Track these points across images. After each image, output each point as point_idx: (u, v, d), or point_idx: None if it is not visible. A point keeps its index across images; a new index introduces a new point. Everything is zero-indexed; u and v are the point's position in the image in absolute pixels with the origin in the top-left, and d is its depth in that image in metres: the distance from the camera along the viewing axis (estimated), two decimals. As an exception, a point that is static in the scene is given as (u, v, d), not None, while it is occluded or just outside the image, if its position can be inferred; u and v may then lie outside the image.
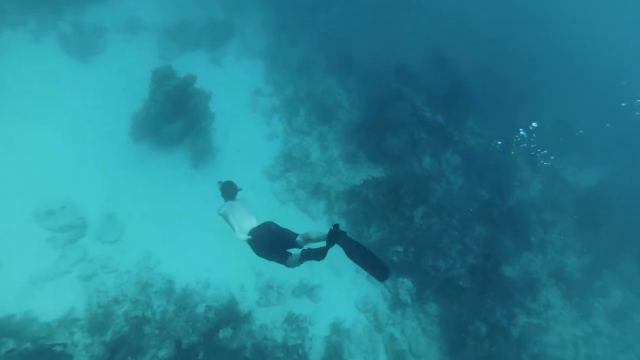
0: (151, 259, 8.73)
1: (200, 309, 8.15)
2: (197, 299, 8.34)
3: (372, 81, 15.42)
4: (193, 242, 9.46)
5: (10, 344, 6.35)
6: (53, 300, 7.32)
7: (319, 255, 4.27)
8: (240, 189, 5.63)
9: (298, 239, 4.76)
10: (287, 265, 4.72)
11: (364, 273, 10.76)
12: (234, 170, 11.45)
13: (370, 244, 10.94)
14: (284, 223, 11.08)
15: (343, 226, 11.43)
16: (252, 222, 5.13)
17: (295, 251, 4.73)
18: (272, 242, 4.85)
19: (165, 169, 10.52)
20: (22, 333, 6.62)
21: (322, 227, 10.06)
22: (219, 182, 5.63)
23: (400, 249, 10.48)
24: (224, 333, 7.18)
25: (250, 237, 4.86)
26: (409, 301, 10.10)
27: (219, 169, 11.34)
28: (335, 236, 4.09)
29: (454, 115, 14.04)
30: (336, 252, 10.80)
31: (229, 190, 5.51)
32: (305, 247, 4.62)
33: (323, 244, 4.25)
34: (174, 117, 10.45)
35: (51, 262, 7.81)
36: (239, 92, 13.91)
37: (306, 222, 11.28)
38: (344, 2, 20.26)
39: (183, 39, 14.29)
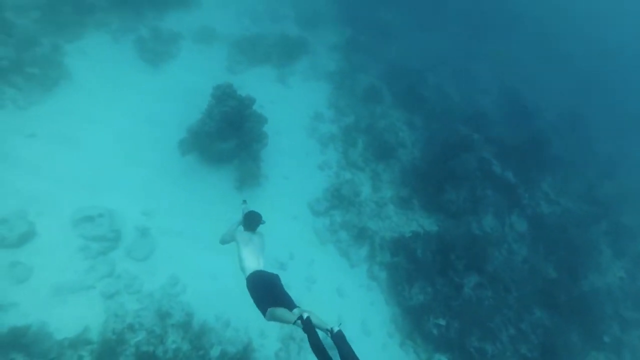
0: (177, 285, 8.35)
1: (215, 352, 7.59)
2: (214, 339, 7.80)
3: (441, 122, 14.30)
4: (223, 272, 8.97)
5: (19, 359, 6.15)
6: (71, 315, 7.11)
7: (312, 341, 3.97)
8: (264, 222, 5.34)
9: (295, 311, 4.36)
10: (266, 317, 4.40)
11: (397, 338, 9.71)
12: (279, 198, 10.93)
13: (408, 307, 9.85)
14: (321, 266, 10.37)
15: (383, 276, 10.45)
16: (259, 263, 4.98)
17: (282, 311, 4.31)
18: (270, 291, 4.62)
19: (208, 187, 10.23)
20: (33, 349, 6.43)
21: (335, 309, 9.22)
22: (244, 201, 5.65)
23: (442, 322, 9.26)
24: (232, 391, 6.53)
25: (253, 273, 4.76)
26: (444, 384, 8.84)
27: (264, 194, 10.86)
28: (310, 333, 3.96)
29: (527, 174, 12.50)
30: (372, 313, 9.75)
31: (252, 220, 5.25)
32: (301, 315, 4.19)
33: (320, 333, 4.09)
34: (227, 136, 10.15)
35: (79, 273, 7.67)
36: (299, 114, 13.48)
37: (344, 268, 10.43)
38: (420, 32, 19.39)
39: (253, 53, 14.20)
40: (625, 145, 17.89)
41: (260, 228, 5.31)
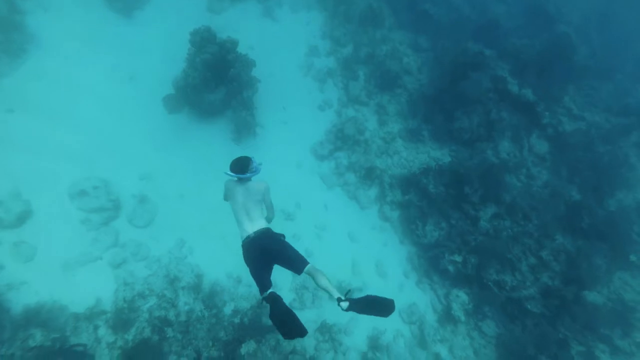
0: (183, 247, 8.27)
1: (228, 309, 7.65)
2: (226, 297, 7.83)
3: (449, 39, 12.85)
4: (231, 230, 8.76)
5: (38, 335, 6.29)
6: (82, 287, 7.16)
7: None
8: (259, 164, 4.52)
9: (307, 268, 4.17)
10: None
11: (413, 277, 9.59)
12: (279, 145, 10.38)
13: (423, 245, 9.59)
14: (331, 211, 10.01)
15: (395, 216, 10.11)
16: (253, 223, 4.37)
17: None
18: (263, 265, 4.17)
19: (204, 143, 9.72)
20: (50, 324, 6.56)
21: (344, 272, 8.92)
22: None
23: (458, 258, 8.99)
24: (246, 348, 6.60)
25: (243, 243, 4.30)
26: (462, 318, 8.81)
27: (263, 143, 10.32)
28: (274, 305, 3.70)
29: (548, 89, 11.29)
30: (386, 254, 9.52)
31: (237, 165, 4.39)
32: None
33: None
34: (214, 86, 9.39)
35: (84, 245, 7.60)
36: (292, 50, 12.33)
37: (354, 211, 10.10)
38: None
39: (233, -14, 12.71)
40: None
41: (257, 177, 4.53)
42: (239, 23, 12.17)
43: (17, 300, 6.78)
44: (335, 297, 3.86)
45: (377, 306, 3.90)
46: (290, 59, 12.09)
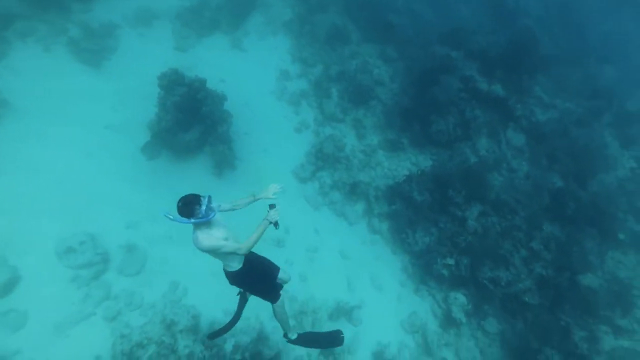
0: (177, 289, 8.26)
1: (229, 346, 7.61)
2: (225, 333, 7.78)
3: (416, 46, 13.16)
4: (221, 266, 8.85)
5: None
6: (80, 347, 7.09)
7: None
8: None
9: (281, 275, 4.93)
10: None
11: (410, 286, 9.62)
12: (261, 174, 10.46)
13: (415, 252, 9.65)
14: (320, 232, 10.05)
15: (384, 228, 10.18)
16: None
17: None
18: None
19: (186, 183, 9.76)
20: (48, 391, 6.48)
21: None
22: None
23: (451, 261, 9.05)
24: (251, 383, 6.56)
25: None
26: (464, 319, 8.83)
27: (245, 174, 10.40)
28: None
29: (517, 83, 11.57)
30: (380, 267, 9.57)
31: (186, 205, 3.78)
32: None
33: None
34: (188, 126, 9.51)
35: (76, 304, 7.55)
36: (263, 77, 12.55)
37: (343, 229, 10.17)
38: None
39: (199, 22, 12.98)
40: (623, 19, 16.37)
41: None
42: (207, 58, 12.40)
43: (13, 370, 6.73)
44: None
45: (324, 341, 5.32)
46: (263, 85, 12.29)
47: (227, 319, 8.12)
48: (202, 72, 10.78)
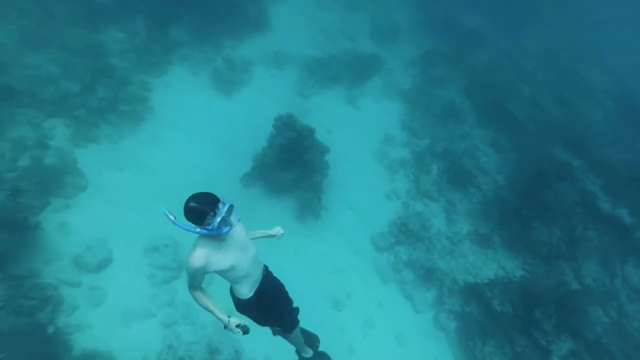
0: (230, 319, 8.48)
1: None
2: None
3: (534, 143, 12.35)
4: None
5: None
6: (133, 342, 7.62)
7: None
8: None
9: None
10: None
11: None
12: (341, 230, 10.53)
13: (481, 368, 8.57)
14: (382, 308, 9.64)
15: (451, 327, 9.30)
16: (257, 266, 3.74)
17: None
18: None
19: (269, 218, 10.24)
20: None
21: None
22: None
23: (521, 394, 7.81)
24: None
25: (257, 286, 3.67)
26: None
27: (325, 226, 10.55)
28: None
29: (651, 212, 10.00)
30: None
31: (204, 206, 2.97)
32: None
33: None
34: (287, 167, 10.08)
35: (144, 300, 8.23)
36: (368, 137, 12.89)
37: (407, 313, 9.55)
38: (513, 34, 17.12)
39: (324, 74, 14.01)
40: None
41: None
42: (323, 107, 13.23)
43: (79, 342, 7.46)
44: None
45: None
46: (366, 145, 12.60)
47: (265, 366, 8.14)
48: (314, 119, 11.56)
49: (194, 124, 11.56)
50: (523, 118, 13.21)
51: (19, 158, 8.69)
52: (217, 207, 2.93)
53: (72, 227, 8.60)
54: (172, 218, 2.93)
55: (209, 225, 2.91)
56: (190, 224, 2.95)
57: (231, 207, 2.99)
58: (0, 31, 10.50)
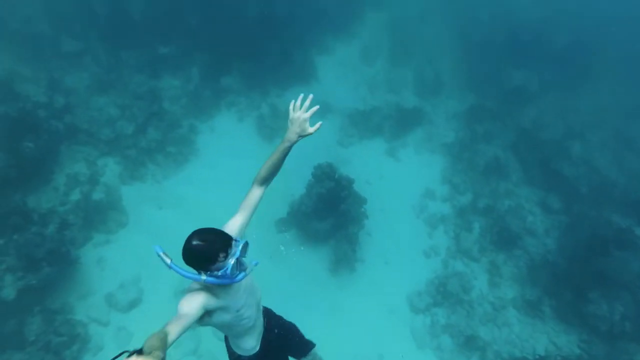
0: None
1: None
2: None
3: (587, 206, 11.52)
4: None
5: None
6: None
7: None
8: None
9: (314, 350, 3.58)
10: None
11: None
12: (375, 286, 10.04)
13: None
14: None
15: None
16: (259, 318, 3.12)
17: None
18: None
19: (301, 267, 10.00)
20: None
21: None
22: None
23: None
24: None
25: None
26: None
27: (359, 280, 10.12)
28: None
29: None
30: None
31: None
32: None
33: None
34: (324, 217, 9.93)
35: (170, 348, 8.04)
36: (407, 190, 12.56)
37: (443, 385, 8.69)
38: (563, 91, 16.63)
39: (365, 125, 14.10)
40: None
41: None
42: (362, 158, 13.19)
43: (101, 384, 7.33)
44: None
45: None
46: (405, 198, 12.26)
47: None
48: (353, 169, 11.50)
49: (234, 167, 11.82)
50: (574, 178, 12.44)
51: (70, 192, 9.16)
52: (230, 246, 2.29)
53: (109, 263, 8.80)
54: (168, 262, 2.28)
55: (218, 270, 2.24)
56: (192, 271, 2.29)
57: (246, 245, 2.37)
58: (75, 77, 11.59)
